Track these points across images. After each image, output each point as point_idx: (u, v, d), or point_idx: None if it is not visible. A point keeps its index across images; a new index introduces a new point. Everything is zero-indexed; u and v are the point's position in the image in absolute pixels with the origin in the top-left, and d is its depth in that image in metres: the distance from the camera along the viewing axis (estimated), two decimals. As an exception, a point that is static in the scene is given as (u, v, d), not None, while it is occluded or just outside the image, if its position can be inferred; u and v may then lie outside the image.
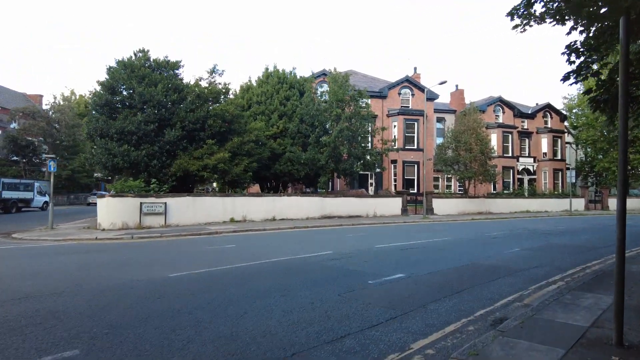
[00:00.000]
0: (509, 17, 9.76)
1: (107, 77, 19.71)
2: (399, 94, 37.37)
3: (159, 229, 16.67)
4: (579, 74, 7.12)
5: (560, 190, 41.70)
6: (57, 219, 22.81)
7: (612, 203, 39.49)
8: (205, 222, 18.49)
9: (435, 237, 15.01)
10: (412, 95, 37.17)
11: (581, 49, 8.30)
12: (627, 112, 4.44)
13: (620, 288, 4.07)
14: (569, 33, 8.22)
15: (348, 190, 32.18)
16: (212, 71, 21.87)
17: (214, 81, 21.78)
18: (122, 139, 18.75)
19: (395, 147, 29.52)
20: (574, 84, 7.28)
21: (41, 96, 51.98)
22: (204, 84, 21.53)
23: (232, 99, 24.18)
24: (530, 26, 9.88)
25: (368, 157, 26.40)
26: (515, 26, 9.99)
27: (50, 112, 43.95)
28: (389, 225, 20.88)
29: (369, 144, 30.02)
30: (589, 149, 47.75)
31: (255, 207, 20.21)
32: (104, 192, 32.07)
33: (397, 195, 27.60)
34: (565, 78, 7.08)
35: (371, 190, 36.05)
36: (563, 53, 8.39)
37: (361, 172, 36.61)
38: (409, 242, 13.51)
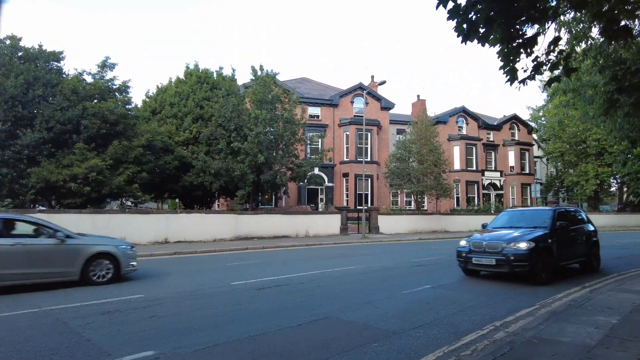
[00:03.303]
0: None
1: (-45, 66, 15.94)
2: (352, 102, 34.33)
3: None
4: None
5: (528, 206, 38.97)
6: None
7: (582, 220, 36.69)
8: (63, 247, 14.50)
9: (343, 265, 11.52)
10: (366, 103, 34.02)
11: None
12: None
13: None
14: None
15: (292, 207, 28.58)
16: (103, 65, 18.26)
17: (104, 76, 18.15)
18: (-38, 142, 14.89)
19: (330, 158, 26.18)
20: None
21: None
22: (89, 79, 17.89)
23: (133, 99, 20.52)
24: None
25: (305, 168, 22.87)
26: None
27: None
28: (311, 247, 17.28)
29: (319, 155, 26.45)
30: (558, 163, 45.60)
31: (142, 227, 16.33)
32: None
33: (336, 212, 24.05)
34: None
35: (322, 206, 32.52)
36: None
37: (311, 187, 33.23)
38: (293, 274, 9.93)
